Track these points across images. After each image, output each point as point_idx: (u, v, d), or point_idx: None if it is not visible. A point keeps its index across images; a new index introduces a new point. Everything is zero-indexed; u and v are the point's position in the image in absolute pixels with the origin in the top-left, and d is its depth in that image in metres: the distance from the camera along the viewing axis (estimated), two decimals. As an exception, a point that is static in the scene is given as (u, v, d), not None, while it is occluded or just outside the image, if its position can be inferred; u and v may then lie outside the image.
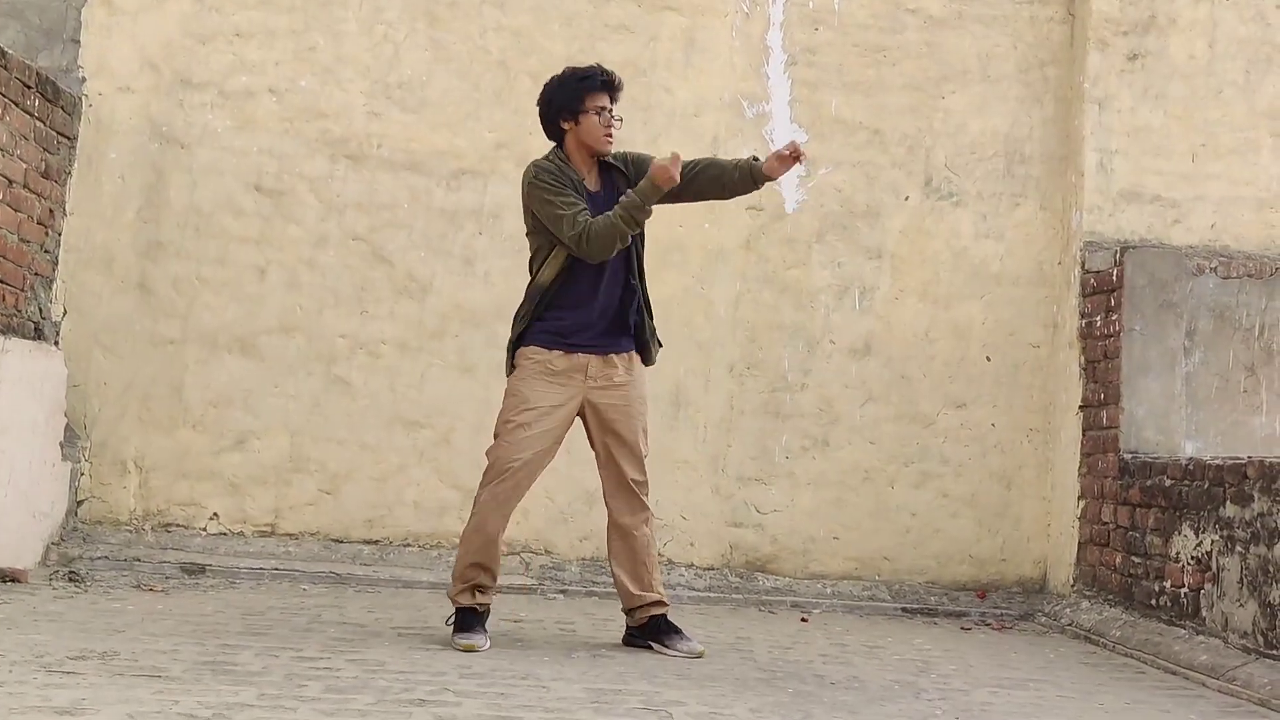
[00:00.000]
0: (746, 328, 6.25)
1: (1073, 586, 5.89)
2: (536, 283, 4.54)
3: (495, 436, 4.52)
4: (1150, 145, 6.16)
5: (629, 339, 4.62)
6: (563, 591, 5.83)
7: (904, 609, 5.94)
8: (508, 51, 6.26)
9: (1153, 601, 5.19)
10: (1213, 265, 5.89)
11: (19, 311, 5.58)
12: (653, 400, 6.09)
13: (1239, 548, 4.62)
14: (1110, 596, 5.55)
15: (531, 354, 4.48)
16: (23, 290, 5.61)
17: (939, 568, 6.19)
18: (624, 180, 4.56)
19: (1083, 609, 5.68)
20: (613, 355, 4.57)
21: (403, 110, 6.20)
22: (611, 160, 4.60)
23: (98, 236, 6.01)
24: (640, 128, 6.26)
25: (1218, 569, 4.75)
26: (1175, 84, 6.20)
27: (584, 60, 6.14)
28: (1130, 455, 5.55)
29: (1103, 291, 5.89)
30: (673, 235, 6.22)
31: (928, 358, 6.29)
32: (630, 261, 4.57)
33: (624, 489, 4.59)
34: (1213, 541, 4.80)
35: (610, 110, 4.52)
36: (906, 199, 6.36)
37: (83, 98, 6.04)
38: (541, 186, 4.47)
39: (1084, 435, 5.96)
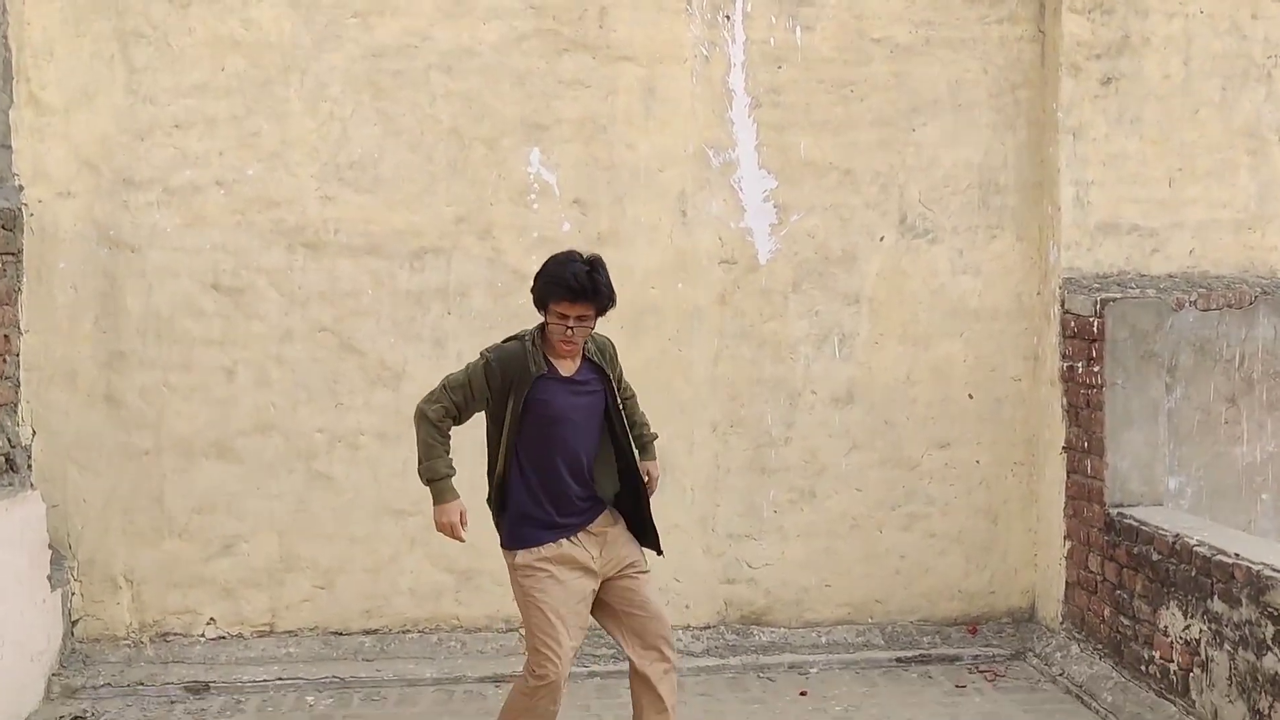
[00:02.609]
0: (727, 385, 6.18)
1: (1061, 624, 6.02)
2: (496, 474, 4.36)
3: (527, 646, 4.34)
4: (1127, 173, 6.02)
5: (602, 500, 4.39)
6: (565, 676, 5.91)
7: (898, 659, 6.05)
8: (459, 118, 6.00)
9: (1143, 668, 5.32)
10: (1192, 299, 5.84)
11: (-13, 453, 5.46)
12: (638, 466, 6.11)
13: (1228, 646, 4.72)
14: (1100, 647, 5.68)
15: (524, 560, 4.31)
16: (-12, 431, 5.47)
17: (930, 606, 6.30)
18: (599, 372, 4.36)
19: (1073, 655, 5.82)
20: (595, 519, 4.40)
21: (356, 191, 5.96)
22: (590, 354, 4.37)
23: (57, 351, 5.84)
24: (604, 188, 6.07)
25: (1207, 659, 4.86)
26: (1150, 106, 6.02)
27: (541, 122, 6.01)
28: (1116, 512, 5.60)
29: (1084, 339, 5.83)
30: (647, 298, 6.11)
31: (910, 401, 6.26)
32: (599, 423, 4.37)
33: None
34: (1201, 631, 4.89)
35: (570, 322, 4.16)
36: (882, 239, 6.22)
37: (23, 207, 5.77)
38: (474, 362, 4.35)
39: (1068, 478, 6.00)
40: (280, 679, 5.76)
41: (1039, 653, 6.05)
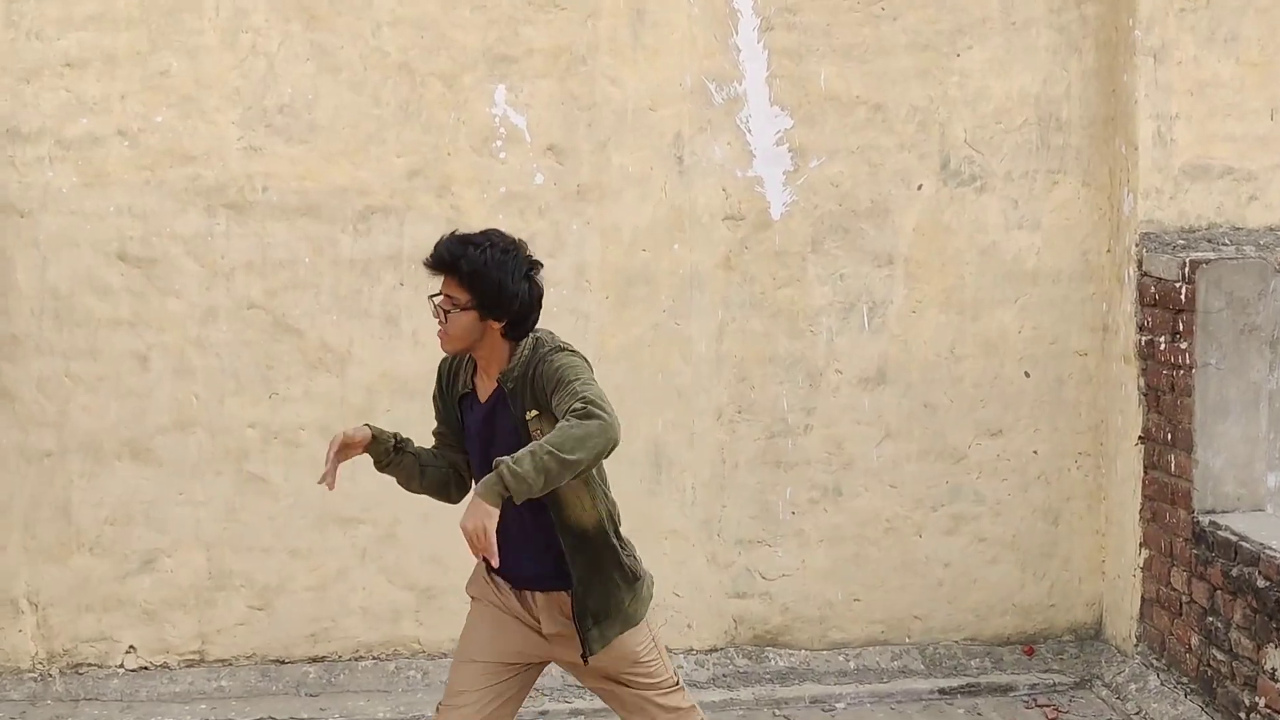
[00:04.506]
0: (734, 364, 5.20)
1: (1136, 647, 5.04)
2: None
3: None
4: (1220, 103, 4.96)
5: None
6: (543, 714, 4.99)
7: (941, 690, 5.10)
8: (410, 51, 4.99)
9: (1242, 715, 4.34)
10: (1301, 257, 4.79)
11: None
12: (628, 462, 5.16)
13: (1361, 705, 3.75)
14: (1185, 682, 4.70)
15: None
16: None
17: (978, 622, 5.34)
18: (514, 403, 3.11)
19: (1152, 689, 4.84)
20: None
21: (288, 141, 4.99)
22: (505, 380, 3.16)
23: (-63, 337, 4.94)
24: (584, 132, 5.07)
25: (1331, 716, 3.89)
26: (1249, 21, 4.94)
27: (508, 53, 5.09)
28: (1208, 520, 4.59)
29: (1167, 309, 4.80)
30: (636, 263, 5.13)
31: (954, 380, 5.26)
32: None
33: None
34: (1324, 680, 3.92)
35: (437, 301, 3.14)
36: (919, 188, 5.19)
37: (-111, 165, 4.85)
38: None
39: (1145, 474, 4.99)
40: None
41: (1109, 682, 5.08)
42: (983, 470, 5.28)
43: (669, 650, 5.14)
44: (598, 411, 2.88)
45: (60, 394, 4.99)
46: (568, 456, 2.82)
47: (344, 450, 3.22)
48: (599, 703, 4.92)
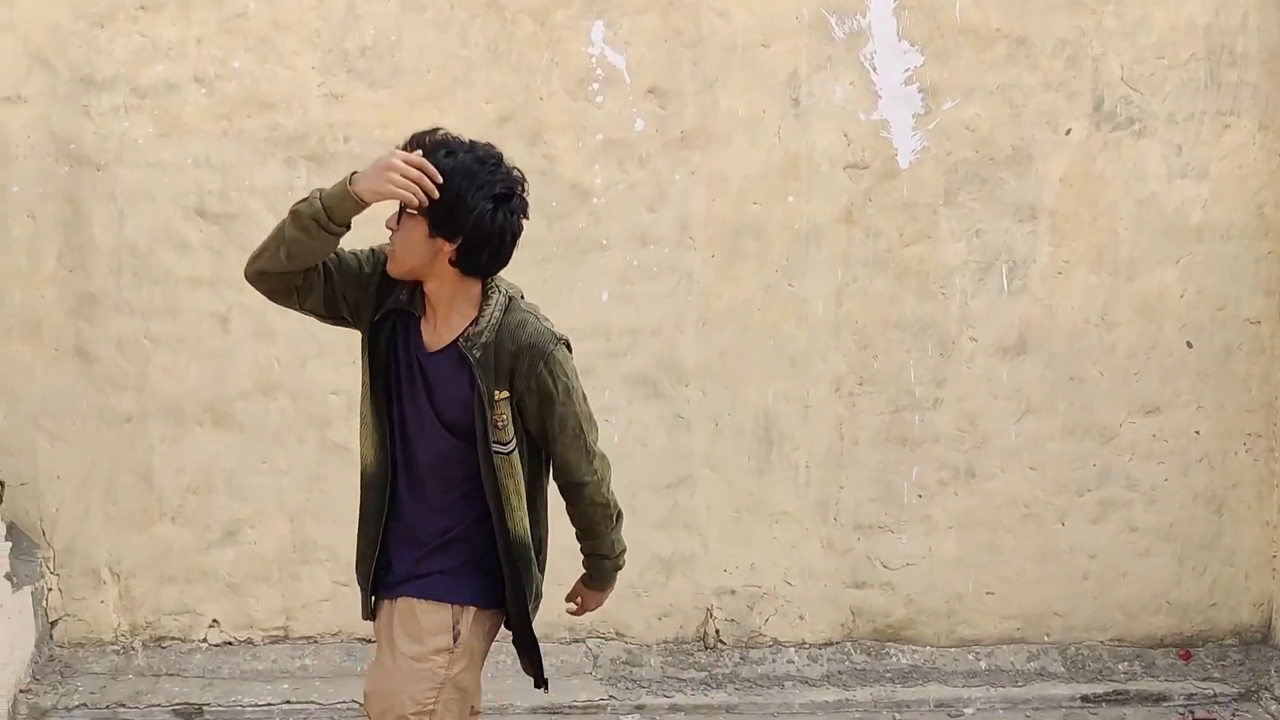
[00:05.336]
0: (855, 330, 4.70)
1: (1314, 655, 4.44)
2: None
3: None
4: None
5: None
6: (639, 708, 4.62)
7: (1084, 698, 4.55)
8: (500, -15, 4.59)
9: None
10: None
11: (-80, 429, 4.42)
12: (738, 437, 4.73)
13: None
14: (1373, 700, 4.10)
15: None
16: (-80, 400, 4.42)
17: (1127, 621, 4.77)
18: (482, 376, 2.71)
19: (1332, 706, 4.25)
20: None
21: (370, 86, 4.63)
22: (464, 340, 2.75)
23: (15, 296, 4.73)
24: (689, 72, 4.60)
25: None
26: None
27: None
28: (1405, 516, 3.97)
29: (1361, 270, 4.15)
30: (745, 216, 4.65)
31: (1105, 349, 4.67)
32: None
33: None
34: None
35: (393, 222, 2.74)
36: (1068, 132, 4.60)
37: (-36, 117, 4.65)
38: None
39: (1330, 459, 4.37)
40: (289, 702, 4.63)
41: (1279, 694, 4.48)
42: (1136, 451, 4.69)
43: (778, 643, 4.77)
44: (608, 497, 2.92)
45: (140, 355, 4.76)
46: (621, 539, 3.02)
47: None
48: (700, 698, 4.57)
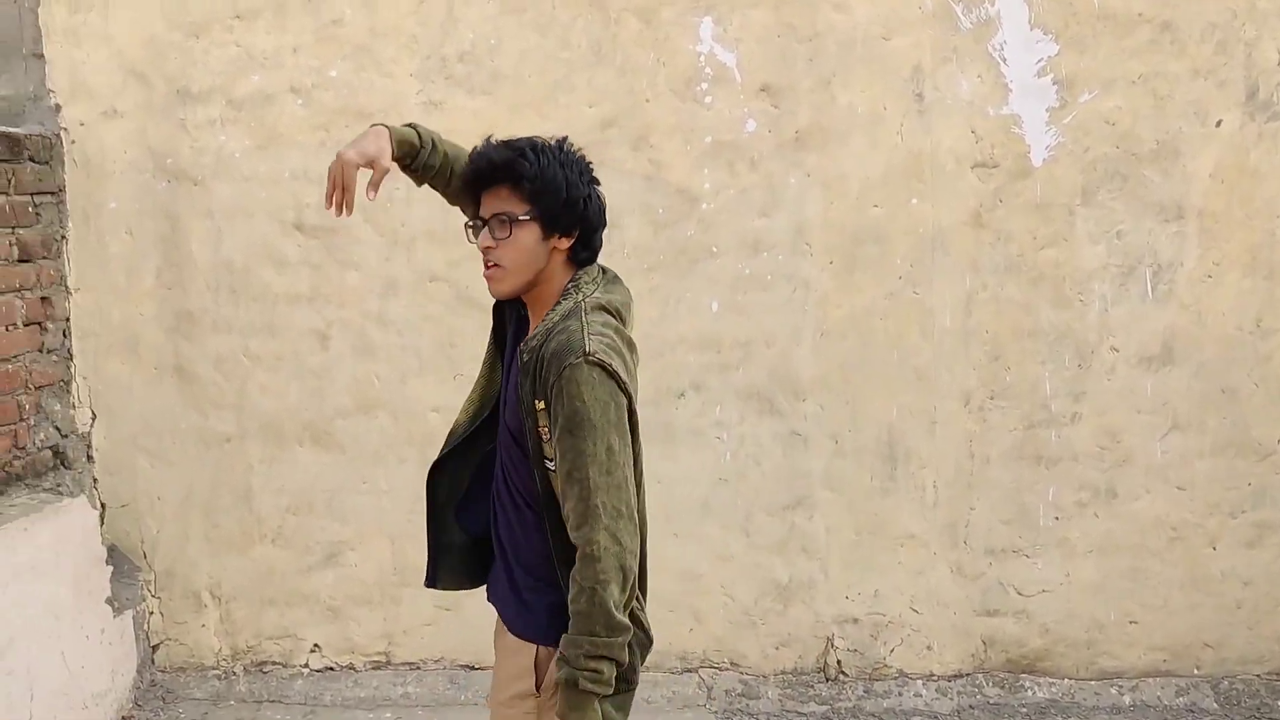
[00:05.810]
0: (985, 340, 4.39)
1: None
2: None
3: None
4: None
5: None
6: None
7: (1242, 738, 4.22)
8: (604, -18, 4.38)
9: None
10: None
11: (21, 451, 4.33)
12: (860, 455, 4.45)
13: None
14: None
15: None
16: (19, 421, 4.33)
17: (1288, 653, 4.40)
18: (522, 380, 2.42)
19: None
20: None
21: (469, 92, 4.45)
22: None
23: (114, 314, 4.64)
24: (804, 68, 4.33)
25: None
26: None
27: None
28: None
29: None
30: (866, 220, 4.37)
31: (1260, 359, 4.30)
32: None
33: None
34: None
35: (475, 229, 2.48)
36: (1219, 124, 4.24)
37: (62, 132, 4.56)
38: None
39: None
40: (393, 732, 4.49)
41: None
42: (1297, 469, 4.32)
43: (904, 675, 4.47)
44: (605, 598, 2.27)
45: (238, 373, 4.64)
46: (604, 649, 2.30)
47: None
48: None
